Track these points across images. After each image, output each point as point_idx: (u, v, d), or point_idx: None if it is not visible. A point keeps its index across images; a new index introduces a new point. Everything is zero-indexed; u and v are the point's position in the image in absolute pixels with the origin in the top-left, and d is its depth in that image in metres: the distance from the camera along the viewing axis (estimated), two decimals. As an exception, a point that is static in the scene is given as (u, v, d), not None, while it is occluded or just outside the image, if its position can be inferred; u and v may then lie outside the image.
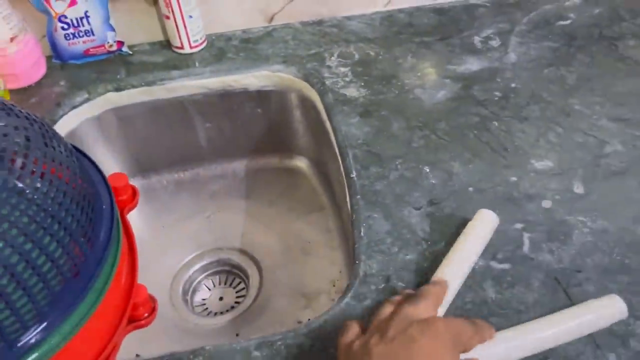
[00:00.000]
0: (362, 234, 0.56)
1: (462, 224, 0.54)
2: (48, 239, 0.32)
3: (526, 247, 0.54)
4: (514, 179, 0.62)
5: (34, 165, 0.33)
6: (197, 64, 0.82)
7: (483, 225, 0.53)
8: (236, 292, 0.80)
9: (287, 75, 0.81)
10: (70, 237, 0.34)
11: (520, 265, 0.52)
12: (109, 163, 0.85)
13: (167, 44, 0.86)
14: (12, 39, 0.74)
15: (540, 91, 0.73)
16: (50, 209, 0.32)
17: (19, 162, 0.32)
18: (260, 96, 0.84)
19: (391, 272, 0.53)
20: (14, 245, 0.30)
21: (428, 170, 0.63)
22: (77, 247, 0.35)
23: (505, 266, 0.52)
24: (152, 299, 0.43)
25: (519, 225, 0.56)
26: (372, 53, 0.82)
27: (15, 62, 0.75)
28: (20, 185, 0.31)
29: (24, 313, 0.31)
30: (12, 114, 0.35)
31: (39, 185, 0.32)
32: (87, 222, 0.36)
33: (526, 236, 0.55)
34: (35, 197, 0.32)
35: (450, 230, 0.56)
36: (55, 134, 0.38)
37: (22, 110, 0.36)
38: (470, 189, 0.61)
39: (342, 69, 0.79)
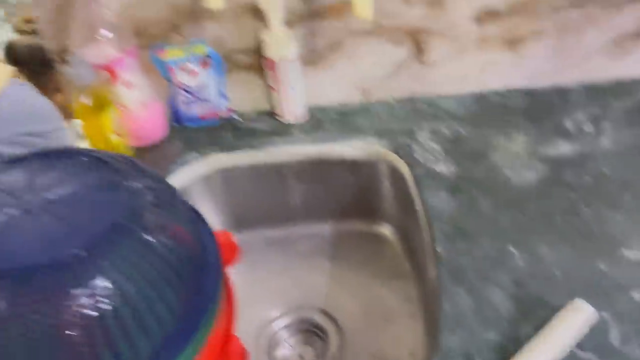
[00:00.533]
0: (445, 307, 0.57)
1: (547, 308, 0.54)
2: (167, 287, 0.38)
3: (615, 339, 0.53)
4: (602, 266, 0.61)
5: (161, 222, 0.39)
6: (297, 132, 0.89)
7: (577, 319, 0.53)
8: (316, 352, 0.82)
9: (379, 148, 0.86)
10: (183, 286, 0.39)
11: (607, 358, 0.51)
12: (211, 217, 0.92)
13: (271, 113, 0.94)
14: (143, 105, 0.85)
15: (634, 179, 0.72)
16: (171, 261, 0.38)
17: (149, 218, 0.38)
18: (353, 165, 0.89)
19: (473, 350, 0.53)
20: (140, 289, 0.36)
21: (514, 250, 0.64)
22: (188, 296, 0.40)
23: (591, 356, 0.51)
24: (244, 351, 0.47)
25: (606, 315, 0.55)
26: (462, 131, 0.85)
27: (142, 125, 0.86)
28: (149, 239, 0.37)
29: (140, 352, 0.36)
30: (145, 174, 0.42)
31: (164, 239, 0.38)
32: (198, 274, 0.41)
33: (615, 327, 0.54)
34: (160, 250, 0.38)
35: (534, 314, 0.56)
36: (177, 193, 0.44)
37: (152, 171, 0.43)
38: (557, 273, 0.60)
39: (433, 145, 0.83)
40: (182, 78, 0.89)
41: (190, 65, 0.88)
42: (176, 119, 0.94)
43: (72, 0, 0.83)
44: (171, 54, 0.87)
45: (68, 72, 0.74)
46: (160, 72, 0.89)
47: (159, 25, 0.87)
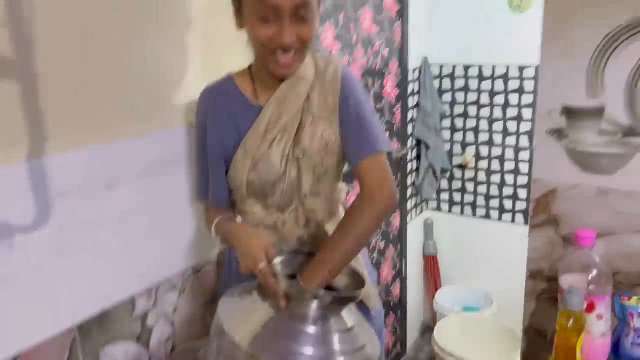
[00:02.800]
0: None
1: None
2: None
3: None
4: None
5: None
6: None
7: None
8: None
9: None
10: None
11: None
12: None
13: None
14: (602, 335, 1.03)
15: None
16: None
17: None
18: None
19: None
20: None
21: None
22: None
23: None
24: None
25: None
26: None
27: (595, 351, 1.04)
28: None
29: None
30: None
31: None
32: None
33: None
34: None
35: None
36: None
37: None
38: None
39: None
40: (637, 323, 1.04)
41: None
42: (616, 353, 1.08)
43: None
44: (634, 302, 1.05)
45: (565, 297, 0.98)
46: (617, 311, 1.07)
47: (629, 277, 1.07)
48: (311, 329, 0.90)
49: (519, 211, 2.37)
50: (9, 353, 0.96)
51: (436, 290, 2.55)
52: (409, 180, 2.39)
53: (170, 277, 1.27)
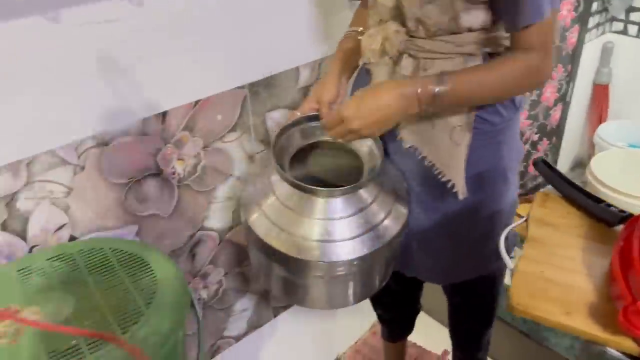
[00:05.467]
0: None
1: None
2: None
3: None
4: None
5: None
6: None
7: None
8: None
9: None
10: None
11: None
12: None
13: None
14: None
15: None
16: None
17: None
18: None
19: None
20: None
21: None
22: None
23: None
24: None
25: None
26: None
27: None
28: None
29: None
30: None
31: None
32: None
33: None
34: None
35: None
36: None
37: None
38: None
39: None
40: None
41: None
42: None
43: None
44: None
45: None
46: None
47: None
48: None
49: None
50: (192, 98, 1.05)
51: (600, 122, 2.33)
52: (596, -8, 2.06)
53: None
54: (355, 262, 0.87)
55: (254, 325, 1.42)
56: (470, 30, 0.86)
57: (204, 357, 0.83)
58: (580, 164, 2.53)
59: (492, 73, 0.84)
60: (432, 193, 0.98)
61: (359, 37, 0.98)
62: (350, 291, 0.95)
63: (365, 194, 0.91)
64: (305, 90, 1.24)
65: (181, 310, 0.80)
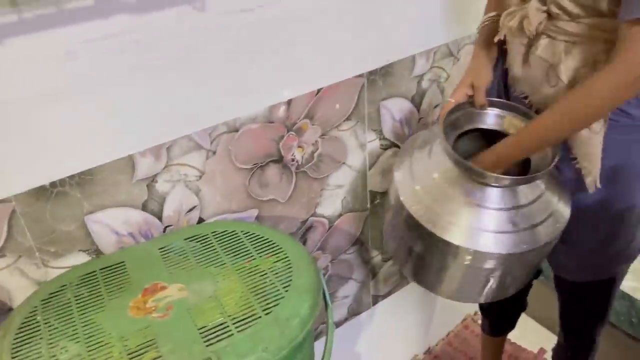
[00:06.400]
0: None
1: None
2: None
3: None
4: None
5: None
6: None
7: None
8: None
9: None
10: None
11: None
12: None
13: None
14: None
15: None
16: None
17: None
18: None
19: None
20: None
21: None
22: None
23: None
24: None
25: None
26: None
27: None
28: None
29: None
30: None
31: None
32: None
33: None
34: None
35: None
36: None
37: None
38: None
39: None
40: None
41: None
42: None
43: None
44: None
45: None
46: None
47: None
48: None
49: None
50: (314, 87, 1.06)
51: None
52: None
53: (449, 43, 1.24)
54: (500, 258, 0.85)
55: (354, 312, 1.44)
56: (613, 14, 0.81)
57: (330, 341, 0.85)
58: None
59: (561, 107, 0.81)
60: (570, 179, 0.95)
61: (496, 19, 0.96)
62: (485, 288, 0.93)
63: (528, 190, 0.89)
64: (420, 79, 1.23)
65: (316, 293, 0.81)
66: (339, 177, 1.20)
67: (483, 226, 0.87)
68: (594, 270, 1.08)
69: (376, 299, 1.49)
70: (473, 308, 1.84)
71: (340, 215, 1.25)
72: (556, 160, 0.85)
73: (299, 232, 1.18)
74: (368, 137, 1.21)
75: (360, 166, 1.23)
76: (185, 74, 0.88)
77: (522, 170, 0.93)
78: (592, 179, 0.90)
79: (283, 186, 1.11)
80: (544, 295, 1.48)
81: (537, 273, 1.29)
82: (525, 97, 0.96)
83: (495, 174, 0.85)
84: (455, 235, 0.86)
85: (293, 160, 1.09)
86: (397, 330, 1.63)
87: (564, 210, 0.91)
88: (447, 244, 0.86)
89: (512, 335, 1.55)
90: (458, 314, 1.83)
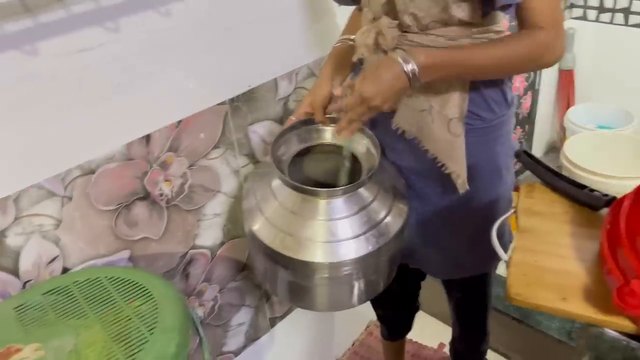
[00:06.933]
0: None
1: None
2: None
3: None
4: None
5: None
6: None
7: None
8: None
9: None
10: None
11: None
12: None
13: None
14: None
15: None
16: None
17: None
18: None
19: None
20: None
21: None
22: None
23: None
24: None
25: None
26: None
27: None
28: None
29: None
30: None
31: None
32: None
33: None
34: None
35: None
36: None
37: None
38: None
39: None
40: None
41: None
42: None
43: None
44: None
45: None
46: None
47: None
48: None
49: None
50: (174, 119, 1.04)
51: (568, 107, 2.39)
52: (554, -18, 2.11)
53: (310, 64, 1.28)
54: (359, 261, 0.88)
55: (252, 338, 1.42)
56: (461, 23, 0.87)
57: (211, 375, 0.83)
58: (554, 149, 2.59)
59: (501, 46, 0.85)
60: (434, 187, 1.01)
61: (351, 43, 1.00)
62: (355, 292, 0.96)
63: (365, 192, 0.93)
64: (285, 101, 1.25)
65: (184, 331, 0.80)
66: (215, 205, 1.19)
67: (340, 236, 0.90)
68: (468, 268, 1.14)
69: (274, 321, 1.48)
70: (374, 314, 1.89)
71: (222, 243, 1.24)
72: (377, 164, 0.93)
73: (179, 267, 1.16)
74: (240, 162, 1.21)
75: (237, 192, 1.22)
76: (23, 122, 0.84)
77: (353, 178, 0.98)
78: (462, 180, 0.96)
79: (154, 223, 1.08)
80: (437, 291, 1.55)
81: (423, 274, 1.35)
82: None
83: (327, 189, 0.89)
84: (315, 254, 0.88)
85: (162, 195, 1.07)
86: (300, 348, 1.64)
87: (402, 203, 0.98)
88: (308, 264, 0.88)
89: (411, 335, 1.60)
90: (361, 321, 1.87)
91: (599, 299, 0.67)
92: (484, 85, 0.94)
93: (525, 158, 0.89)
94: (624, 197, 0.73)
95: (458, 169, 0.95)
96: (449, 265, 1.13)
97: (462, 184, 0.96)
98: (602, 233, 0.71)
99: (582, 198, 0.81)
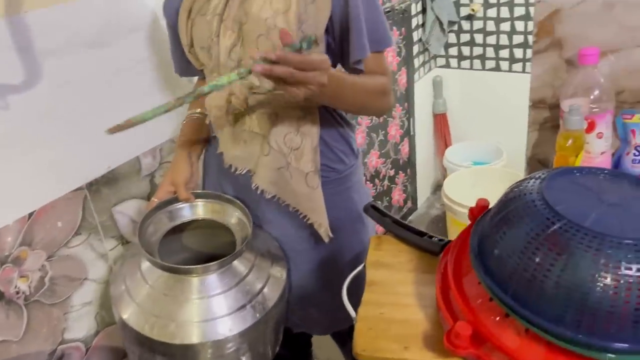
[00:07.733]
0: None
1: None
2: None
3: None
4: None
5: None
6: None
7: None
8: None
9: None
10: None
11: None
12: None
13: None
14: (601, 154, 1.03)
15: None
16: None
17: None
18: None
19: None
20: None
21: None
22: None
23: None
24: None
25: None
26: None
27: (595, 169, 1.04)
28: None
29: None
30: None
31: None
32: None
33: None
34: None
35: None
36: None
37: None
38: None
39: None
40: (639, 140, 1.03)
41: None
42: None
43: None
44: (637, 119, 1.03)
45: (565, 117, 0.97)
46: (618, 131, 1.05)
47: (633, 94, 1.04)
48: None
49: (530, 59, 2.28)
50: (24, 211, 1.00)
51: (446, 147, 2.56)
52: (415, 37, 2.30)
53: (174, 138, 1.28)
54: (242, 335, 0.87)
55: None
56: None
57: None
58: (439, 187, 2.74)
59: (364, 77, 0.94)
60: (308, 245, 1.03)
61: (198, 115, 1.03)
62: None
63: (240, 264, 0.93)
64: (151, 177, 1.24)
65: None
66: (83, 294, 1.14)
67: (217, 313, 0.88)
68: (348, 319, 1.16)
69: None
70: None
71: (97, 332, 1.18)
72: (250, 232, 0.95)
73: (48, 365, 1.09)
74: (108, 245, 1.17)
75: (107, 277, 1.18)
76: None
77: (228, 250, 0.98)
78: (324, 229, 1.00)
79: (12, 323, 1.01)
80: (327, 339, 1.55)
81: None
82: (249, 171, 1.01)
83: (200, 266, 0.88)
84: (192, 335, 0.86)
85: (18, 292, 1.01)
86: None
87: (280, 266, 0.99)
88: (188, 347, 0.86)
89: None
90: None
91: (437, 343, 0.70)
92: (332, 139, 1.00)
93: (373, 212, 0.93)
94: (453, 241, 0.79)
95: (320, 219, 0.99)
96: (327, 320, 1.14)
97: (324, 232, 1.00)
98: (437, 277, 0.76)
99: (423, 245, 0.86)
